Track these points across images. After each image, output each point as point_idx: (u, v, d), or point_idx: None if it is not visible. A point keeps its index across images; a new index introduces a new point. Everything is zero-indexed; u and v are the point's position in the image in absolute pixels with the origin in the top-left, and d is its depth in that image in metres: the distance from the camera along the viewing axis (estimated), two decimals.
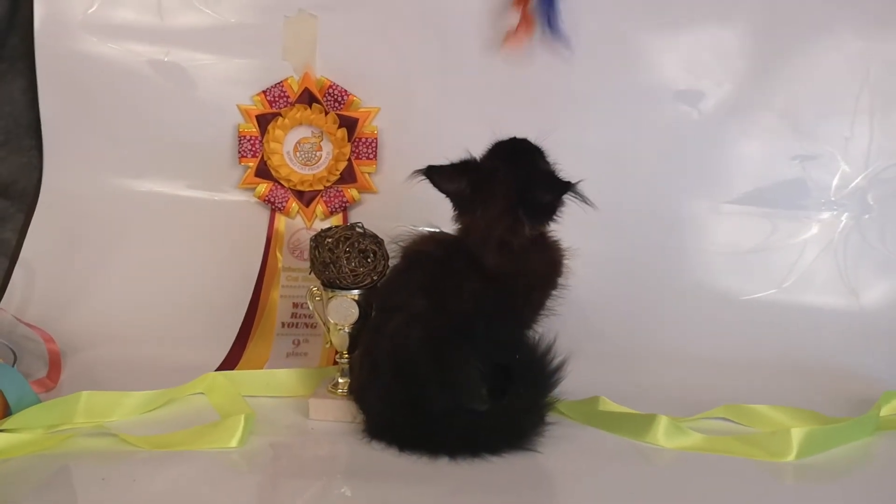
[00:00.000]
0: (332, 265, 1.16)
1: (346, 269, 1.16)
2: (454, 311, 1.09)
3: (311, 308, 1.24)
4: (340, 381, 1.23)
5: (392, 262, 1.18)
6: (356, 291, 1.19)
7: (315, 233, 1.21)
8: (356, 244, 1.17)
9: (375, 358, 1.11)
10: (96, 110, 1.55)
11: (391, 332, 1.10)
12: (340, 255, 1.16)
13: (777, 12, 1.51)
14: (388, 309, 1.12)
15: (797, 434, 1.11)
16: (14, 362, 1.26)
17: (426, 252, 1.14)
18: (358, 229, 1.19)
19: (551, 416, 1.21)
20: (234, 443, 1.09)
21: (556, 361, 1.14)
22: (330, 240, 1.17)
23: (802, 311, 1.50)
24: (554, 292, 1.18)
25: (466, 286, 1.10)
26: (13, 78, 1.57)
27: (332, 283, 1.19)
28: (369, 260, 1.18)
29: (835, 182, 1.54)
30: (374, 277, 1.19)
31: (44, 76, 1.54)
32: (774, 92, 1.53)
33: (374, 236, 1.19)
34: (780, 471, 1.09)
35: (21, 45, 1.55)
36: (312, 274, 1.22)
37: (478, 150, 1.16)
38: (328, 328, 1.22)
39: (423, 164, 1.49)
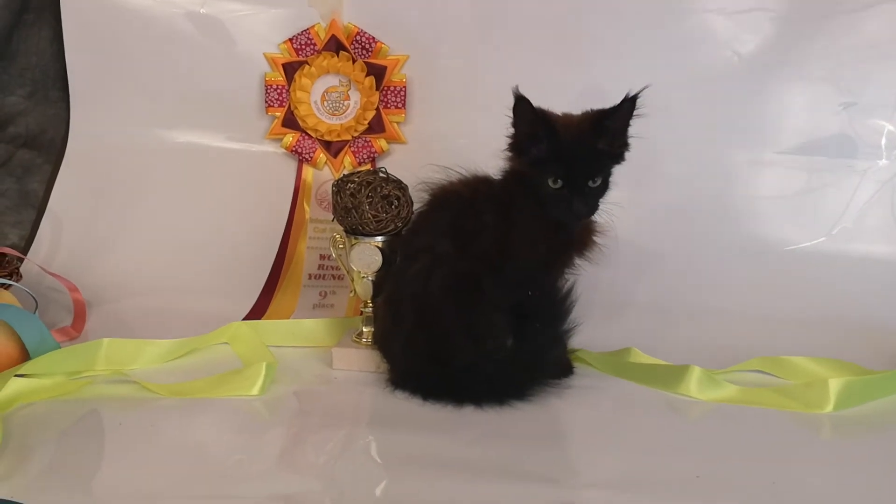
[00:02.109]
0: (353, 211, 1.14)
1: (369, 215, 1.13)
2: (477, 252, 1.06)
3: (334, 256, 1.22)
4: (364, 330, 1.21)
5: (419, 210, 1.15)
6: (379, 238, 1.16)
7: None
8: (379, 189, 1.14)
9: (398, 304, 1.09)
10: (122, 61, 1.53)
11: (415, 277, 1.07)
12: (362, 200, 1.13)
13: None
14: (413, 253, 1.10)
15: (835, 385, 1.08)
16: (35, 309, 1.25)
17: (453, 192, 1.11)
18: (381, 174, 1.16)
19: (579, 367, 1.19)
20: (255, 391, 1.08)
21: (568, 293, 1.11)
22: (352, 185, 1.14)
23: (848, 262, 1.44)
24: (578, 262, 1.15)
25: (490, 225, 1.07)
26: (40, 28, 1.56)
27: (355, 230, 1.16)
28: (392, 206, 1.15)
29: (886, 128, 1.47)
30: (398, 224, 1.16)
31: (69, 26, 1.52)
32: (821, 36, 1.46)
33: (398, 182, 1.16)
34: (816, 423, 1.05)
35: None
36: (335, 221, 1.19)
37: (508, 99, 1.10)
38: (352, 276, 1.20)
39: (455, 113, 1.50)
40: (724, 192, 1.48)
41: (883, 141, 1.47)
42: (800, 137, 1.49)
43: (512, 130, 1.10)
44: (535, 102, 1.08)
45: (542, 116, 1.07)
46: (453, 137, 1.47)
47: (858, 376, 1.13)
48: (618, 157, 1.10)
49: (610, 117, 1.06)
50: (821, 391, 1.08)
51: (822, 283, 1.43)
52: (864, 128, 1.48)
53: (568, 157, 1.06)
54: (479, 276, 1.06)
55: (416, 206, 1.16)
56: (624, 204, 1.14)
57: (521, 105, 1.07)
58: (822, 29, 1.46)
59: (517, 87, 1.07)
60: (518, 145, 1.10)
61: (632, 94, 1.06)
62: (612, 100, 1.08)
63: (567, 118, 1.10)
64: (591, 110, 1.10)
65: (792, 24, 1.47)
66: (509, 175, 1.12)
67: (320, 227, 1.50)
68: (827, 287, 1.43)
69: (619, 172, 1.12)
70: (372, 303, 1.20)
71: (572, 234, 1.12)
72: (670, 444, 0.99)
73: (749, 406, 1.08)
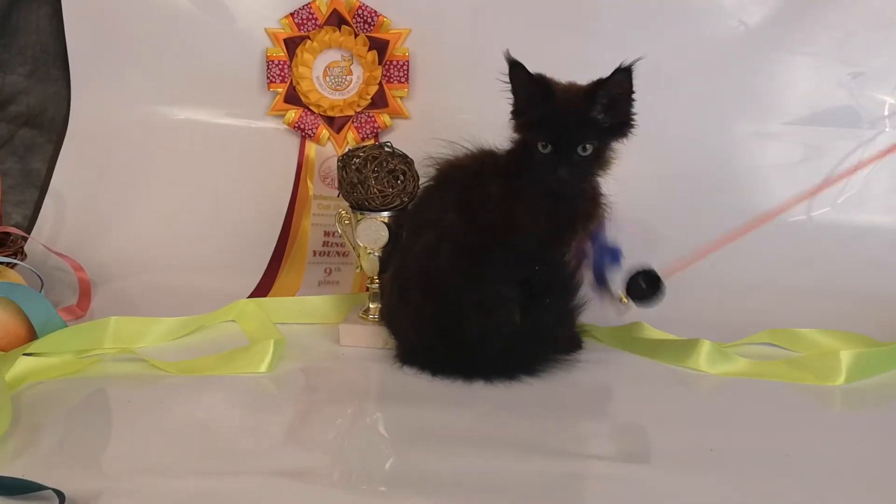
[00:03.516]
0: (359, 186, 1.13)
1: (375, 190, 1.13)
2: (483, 225, 1.05)
3: (339, 232, 1.21)
4: (371, 306, 1.20)
5: (425, 185, 1.14)
6: (385, 213, 1.16)
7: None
8: (384, 164, 1.13)
9: (406, 278, 1.08)
10: (122, 38, 1.52)
11: (422, 250, 1.07)
12: (368, 175, 1.12)
13: None
14: (419, 226, 1.09)
15: (846, 357, 1.07)
16: (41, 288, 1.25)
17: (459, 165, 1.11)
18: (386, 149, 1.15)
19: (588, 342, 1.18)
20: (263, 368, 1.08)
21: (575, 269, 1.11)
22: (357, 160, 1.13)
23: (854, 231, 1.43)
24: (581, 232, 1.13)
25: (495, 197, 1.07)
26: (39, 5, 1.55)
27: (361, 205, 1.15)
28: (398, 180, 1.14)
29: (889, 101, 1.45)
30: (404, 199, 1.15)
31: (69, 3, 1.51)
32: (827, 7, 1.45)
33: (404, 156, 1.15)
34: (828, 395, 1.05)
35: None
36: (341, 196, 1.18)
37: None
38: (358, 252, 1.19)
39: (459, 88, 1.48)
40: (729, 163, 1.47)
41: (886, 111, 1.46)
42: (805, 108, 1.47)
43: (511, 96, 1.10)
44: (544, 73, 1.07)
45: (537, 79, 1.06)
46: (457, 112, 1.46)
47: (869, 348, 1.12)
48: (617, 130, 1.08)
49: (602, 87, 1.05)
50: (832, 363, 1.07)
51: (827, 253, 1.42)
52: (868, 98, 1.46)
53: (558, 121, 1.05)
54: (487, 248, 1.05)
55: (421, 182, 1.15)
56: (628, 176, 1.13)
57: (515, 69, 1.06)
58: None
59: (508, 52, 1.06)
60: (516, 110, 1.10)
61: (624, 64, 1.03)
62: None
63: (568, 86, 1.08)
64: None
65: None
66: (514, 146, 1.11)
67: (324, 204, 1.49)
68: (833, 257, 1.41)
69: (623, 142, 1.10)
70: (378, 279, 1.19)
71: (576, 206, 1.11)
72: (681, 418, 0.99)
73: (759, 379, 1.07)
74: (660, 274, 1.16)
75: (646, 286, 1.14)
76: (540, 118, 1.05)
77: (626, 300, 1.16)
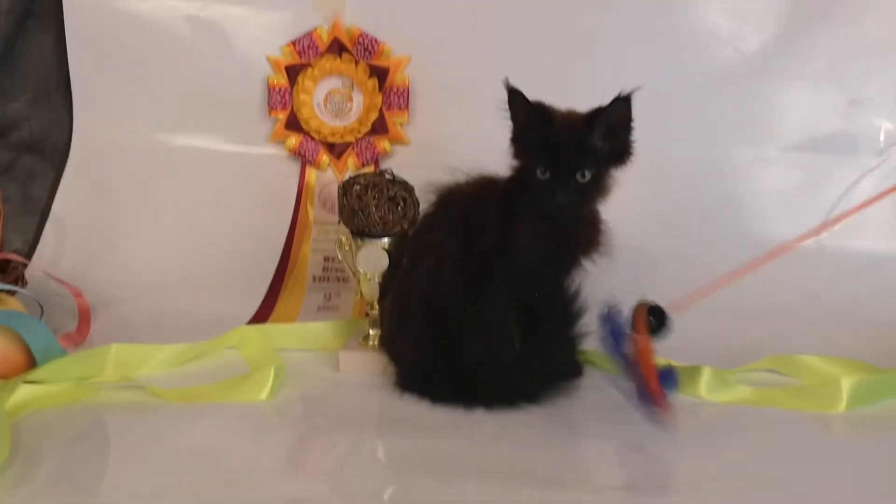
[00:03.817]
0: (360, 212, 1.13)
1: (375, 217, 1.13)
2: (483, 250, 1.05)
3: (340, 258, 1.21)
4: (371, 332, 1.20)
5: (425, 210, 1.15)
6: (386, 239, 1.16)
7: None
8: (385, 191, 1.13)
9: (406, 304, 1.08)
10: (124, 65, 1.53)
11: (422, 275, 1.07)
12: (369, 201, 1.13)
13: None
14: (420, 252, 1.09)
15: (847, 384, 1.06)
16: (41, 315, 1.25)
17: (459, 191, 1.11)
18: (387, 176, 1.16)
19: (589, 368, 1.18)
20: (263, 395, 1.07)
21: (577, 294, 1.10)
22: (358, 186, 1.14)
23: (852, 258, 1.44)
24: (584, 260, 1.13)
25: (495, 222, 1.07)
26: (43, 33, 1.56)
27: (361, 232, 1.16)
28: (399, 207, 1.14)
29: (885, 125, 1.47)
30: (405, 225, 1.15)
31: (72, 31, 1.53)
32: (823, 34, 1.47)
33: (404, 183, 1.16)
34: (829, 423, 1.04)
35: (50, 1, 1.53)
36: (341, 223, 1.18)
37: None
38: (358, 278, 1.19)
39: (458, 115, 1.49)
40: (727, 190, 1.48)
41: (882, 137, 1.47)
42: (802, 134, 1.49)
43: (511, 123, 1.10)
44: (543, 99, 1.07)
45: (536, 107, 1.07)
46: (456, 138, 1.47)
47: (870, 375, 1.12)
48: (616, 158, 1.08)
49: (601, 115, 1.05)
50: (833, 391, 1.06)
51: (825, 279, 1.42)
52: (864, 125, 1.48)
53: (557, 147, 1.05)
54: (486, 273, 1.05)
55: (422, 208, 1.15)
56: (626, 201, 1.13)
57: (514, 97, 1.07)
58: (824, 27, 1.46)
59: (507, 80, 1.07)
60: (515, 136, 1.10)
61: (623, 93, 1.04)
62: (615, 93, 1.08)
63: (567, 113, 1.09)
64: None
65: (794, 22, 1.47)
66: (514, 172, 1.12)
67: (324, 229, 1.50)
68: (831, 284, 1.42)
69: (621, 169, 1.11)
70: (378, 304, 1.19)
71: (576, 232, 1.11)
72: (683, 446, 0.98)
73: (761, 406, 1.07)
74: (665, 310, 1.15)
75: (654, 321, 1.13)
76: (538, 144, 1.06)
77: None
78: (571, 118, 1.07)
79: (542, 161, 1.05)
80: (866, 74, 1.47)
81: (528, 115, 1.07)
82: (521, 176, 1.09)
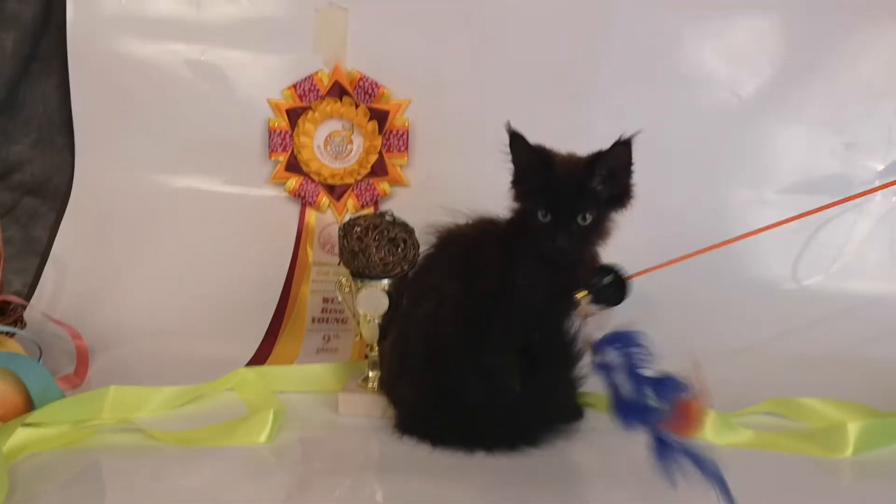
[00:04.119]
0: (360, 254, 1.13)
1: (376, 258, 1.13)
2: (483, 291, 1.05)
3: (340, 299, 1.21)
4: (370, 374, 1.19)
5: (426, 252, 1.15)
6: (386, 281, 1.16)
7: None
8: (385, 232, 1.13)
9: (406, 345, 1.08)
10: (127, 108, 1.55)
11: (422, 317, 1.06)
12: (369, 243, 1.13)
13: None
14: (420, 293, 1.09)
15: (853, 428, 1.05)
16: (39, 357, 1.24)
17: (460, 232, 1.11)
18: (387, 217, 1.16)
19: (589, 411, 1.17)
20: (262, 438, 1.06)
21: (577, 337, 1.08)
22: (358, 228, 1.14)
23: (848, 300, 1.44)
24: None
25: (494, 264, 1.07)
26: (47, 76, 1.58)
27: (362, 273, 1.16)
28: (399, 249, 1.14)
29: (879, 168, 1.48)
30: (405, 266, 1.15)
31: (76, 74, 1.54)
32: (818, 78, 1.49)
33: (404, 224, 1.16)
34: (835, 468, 1.03)
35: (55, 44, 1.56)
36: (341, 264, 1.18)
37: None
38: (358, 320, 1.19)
39: (457, 157, 1.50)
40: (724, 233, 1.47)
41: (877, 180, 1.48)
42: (798, 176, 1.50)
43: (512, 166, 1.10)
44: (542, 142, 1.08)
45: (537, 150, 1.07)
46: (456, 180, 1.48)
47: (877, 419, 1.10)
48: (616, 201, 1.08)
49: (602, 158, 1.05)
50: (839, 435, 1.05)
51: (822, 321, 1.43)
52: (859, 167, 1.49)
53: (557, 191, 1.05)
54: (487, 315, 1.05)
55: (422, 249, 1.15)
56: (625, 245, 1.13)
57: (515, 140, 1.07)
58: (820, 71, 1.49)
59: (509, 123, 1.07)
60: (516, 179, 1.10)
61: (624, 137, 1.04)
62: (613, 138, 1.08)
63: (567, 156, 1.09)
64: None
65: (790, 67, 1.49)
66: (514, 214, 1.12)
67: (324, 270, 1.50)
68: (827, 326, 1.42)
69: (621, 212, 1.11)
70: (378, 346, 1.19)
71: (575, 274, 1.11)
72: (689, 490, 0.97)
73: (765, 450, 1.06)
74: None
75: (615, 291, 1.13)
76: (539, 187, 1.06)
77: None
78: (572, 161, 1.08)
79: (543, 204, 1.05)
80: (861, 118, 1.48)
81: (529, 159, 1.07)
82: (521, 218, 1.10)
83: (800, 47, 1.49)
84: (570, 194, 1.05)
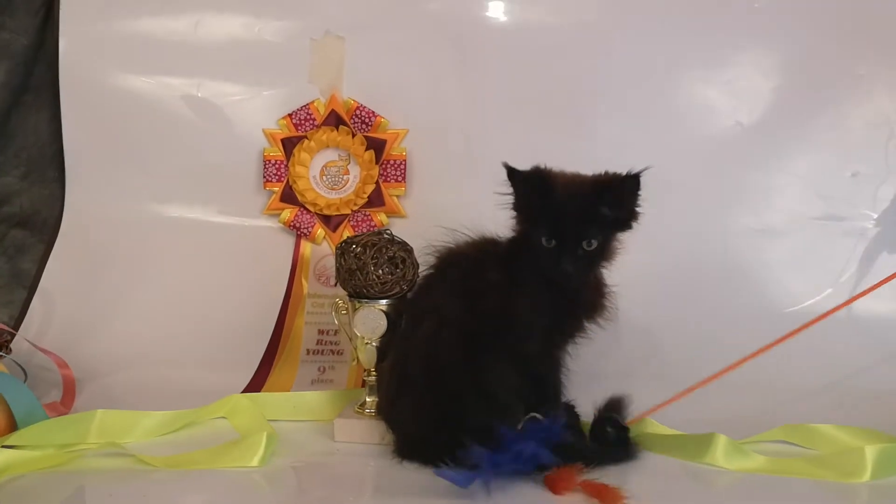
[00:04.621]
0: (358, 272, 1.10)
1: (374, 277, 1.10)
2: (485, 312, 1.02)
3: (336, 322, 1.17)
4: (368, 399, 1.15)
5: (425, 272, 1.12)
6: (384, 302, 1.12)
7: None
8: (384, 251, 1.11)
9: (405, 368, 1.04)
10: (119, 140, 1.53)
11: (422, 338, 1.03)
12: (367, 261, 1.10)
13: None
14: (419, 314, 1.05)
15: (871, 452, 1.01)
16: (24, 380, 1.20)
17: (460, 253, 1.08)
18: (386, 235, 1.13)
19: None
20: (255, 462, 1.02)
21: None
22: (356, 246, 1.11)
23: (854, 325, 1.41)
24: (589, 324, 1.10)
25: (496, 285, 1.04)
26: (38, 109, 1.56)
27: (359, 293, 1.12)
28: (398, 268, 1.11)
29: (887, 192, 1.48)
30: (403, 287, 1.12)
31: (68, 106, 1.52)
32: (821, 106, 1.50)
33: (403, 243, 1.13)
34: (852, 493, 0.99)
35: (47, 76, 1.54)
36: (338, 285, 1.15)
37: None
38: (355, 344, 1.15)
39: (455, 186, 1.48)
40: (729, 260, 1.46)
41: (885, 206, 1.48)
42: (802, 204, 1.49)
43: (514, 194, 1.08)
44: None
45: (538, 178, 1.04)
46: (453, 210, 1.43)
47: (891, 443, 1.07)
48: (622, 224, 1.07)
49: (609, 188, 1.03)
50: (856, 460, 1.01)
51: (828, 347, 1.38)
52: (865, 194, 1.48)
53: (563, 217, 1.03)
54: (488, 337, 1.02)
55: (421, 270, 1.12)
56: (629, 275, 1.11)
57: (514, 176, 1.05)
58: (822, 99, 1.49)
59: (506, 163, 1.05)
60: (518, 205, 1.07)
61: (633, 171, 1.03)
62: (612, 168, 1.06)
63: (571, 178, 1.06)
64: (600, 173, 1.07)
65: (794, 95, 1.49)
66: (516, 235, 1.09)
67: (318, 302, 1.46)
68: (832, 351, 1.38)
69: (624, 241, 1.09)
70: (376, 369, 1.14)
71: (580, 297, 1.08)
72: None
73: (779, 476, 1.02)
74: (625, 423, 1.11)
75: (613, 432, 1.09)
76: (544, 214, 1.03)
77: None
78: (576, 184, 1.05)
79: (547, 231, 1.03)
80: (866, 146, 1.48)
81: (531, 187, 1.04)
82: (523, 241, 1.07)
83: (801, 77, 1.49)
84: (575, 220, 1.03)
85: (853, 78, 1.49)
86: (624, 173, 1.03)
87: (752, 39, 1.50)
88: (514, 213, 1.09)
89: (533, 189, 1.04)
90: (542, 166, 1.06)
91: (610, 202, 1.03)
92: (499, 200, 1.08)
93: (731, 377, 1.30)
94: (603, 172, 1.05)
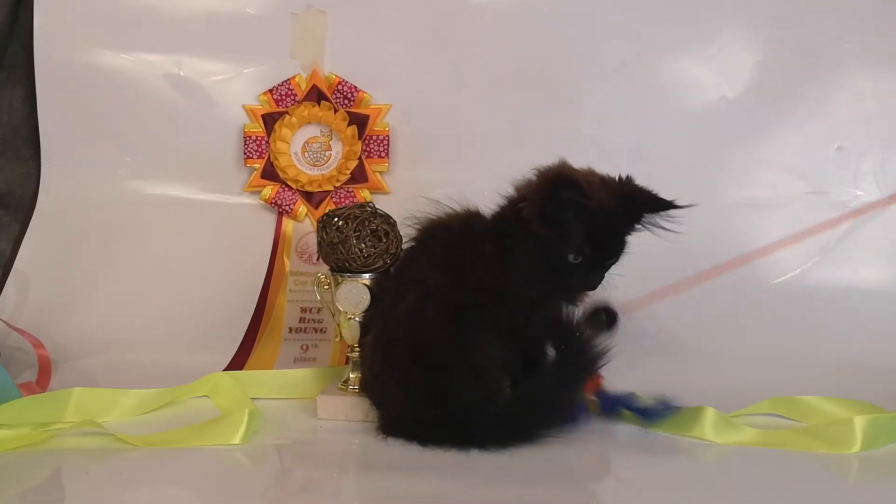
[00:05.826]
0: (340, 245, 1.07)
1: (356, 250, 1.07)
2: (474, 284, 0.99)
3: (318, 297, 1.15)
4: (351, 376, 1.13)
5: (408, 245, 1.09)
6: (367, 276, 1.10)
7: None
8: (367, 223, 1.08)
9: (390, 342, 1.01)
10: (96, 118, 1.50)
11: (406, 311, 1.00)
12: (350, 234, 1.07)
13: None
14: (403, 288, 1.03)
15: (861, 423, 1.00)
16: None
17: (443, 223, 1.05)
18: (368, 208, 1.11)
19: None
20: (237, 439, 0.99)
21: (591, 342, 1.02)
22: (338, 219, 1.08)
23: (838, 295, 1.42)
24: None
25: (488, 257, 1.01)
26: (13, 86, 1.53)
27: (341, 267, 1.10)
28: (381, 241, 1.09)
29: (871, 166, 1.48)
30: (387, 260, 1.10)
31: (43, 84, 1.49)
32: (806, 79, 1.49)
33: (387, 216, 1.11)
34: (842, 464, 0.98)
35: (21, 54, 1.51)
36: (320, 259, 1.13)
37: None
38: (337, 320, 1.13)
39: (439, 163, 1.46)
40: (717, 233, 1.45)
41: (872, 178, 1.48)
42: (789, 177, 1.48)
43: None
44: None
45: (579, 200, 0.99)
46: (437, 186, 1.41)
47: (884, 413, 1.06)
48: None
49: (647, 215, 1.04)
50: (846, 430, 1.01)
51: (820, 319, 1.40)
52: (852, 168, 1.48)
53: (597, 241, 1.01)
54: (476, 310, 0.99)
55: (405, 243, 1.10)
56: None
57: (551, 195, 1.00)
58: (807, 73, 1.48)
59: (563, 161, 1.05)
60: (542, 216, 1.02)
61: (675, 202, 1.04)
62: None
63: (599, 193, 1.01)
64: (627, 186, 1.05)
65: (778, 69, 1.48)
66: (508, 213, 1.06)
67: (301, 280, 1.44)
68: (818, 323, 1.39)
69: None
70: (359, 345, 1.12)
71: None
72: (691, 490, 0.91)
73: (769, 448, 1.01)
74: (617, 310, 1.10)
75: (605, 319, 1.09)
76: (575, 236, 1.01)
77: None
78: (609, 207, 1.01)
79: (577, 251, 1.02)
80: (851, 120, 1.47)
81: (570, 210, 1.00)
82: (514, 215, 1.04)
83: (787, 53, 1.48)
84: (609, 246, 1.04)
85: (838, 52, 1.48)
86: (663, 199, 1.04)
87: (737, 13, 1.49)
88: (531, 219, 1.02)
89: (573, 213, 1.00)
90: (569, 173, 1.02)
91: (641, 223, 1.05)
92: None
93: (717, 351, 1.31)
94: (632, 183, 1.05)
